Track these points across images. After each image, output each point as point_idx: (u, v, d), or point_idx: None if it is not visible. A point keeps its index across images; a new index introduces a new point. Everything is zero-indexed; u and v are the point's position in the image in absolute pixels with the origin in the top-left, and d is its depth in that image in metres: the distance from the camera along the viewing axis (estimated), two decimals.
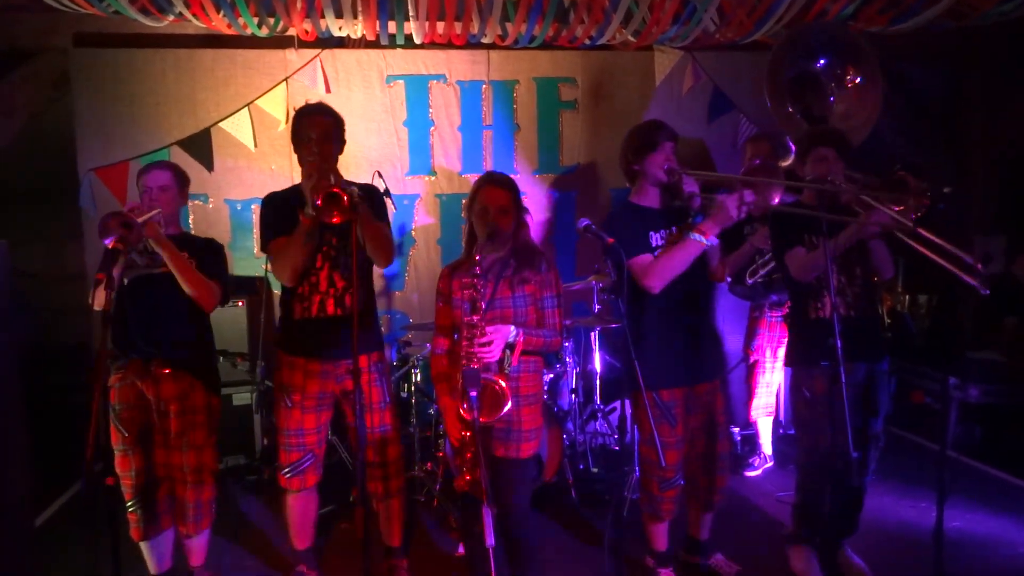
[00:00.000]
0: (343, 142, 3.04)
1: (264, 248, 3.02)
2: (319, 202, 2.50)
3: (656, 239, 2.95)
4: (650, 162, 2.94)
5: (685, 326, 2.98)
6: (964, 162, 5.82)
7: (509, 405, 2.48)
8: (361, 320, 2.95)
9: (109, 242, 2.53)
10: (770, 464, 4.59)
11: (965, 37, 5.28)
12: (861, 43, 3.88)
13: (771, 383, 4.45)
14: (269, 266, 4.70)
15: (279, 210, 2.96)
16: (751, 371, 4.50)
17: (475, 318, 2.53)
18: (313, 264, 2.93)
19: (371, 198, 2.98)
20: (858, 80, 3.78)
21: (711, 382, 3.07)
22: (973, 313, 5.76)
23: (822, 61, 3.82)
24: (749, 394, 4.53)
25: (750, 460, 4.58)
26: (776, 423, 4.76)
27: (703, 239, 2.77)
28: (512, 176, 5.25)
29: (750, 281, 4.08)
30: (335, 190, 2.50)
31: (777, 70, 3.81)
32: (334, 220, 2.52)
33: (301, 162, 2.98)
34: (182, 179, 3.06)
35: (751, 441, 4.73)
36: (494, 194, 2.63)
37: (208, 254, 3.04)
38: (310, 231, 2.76)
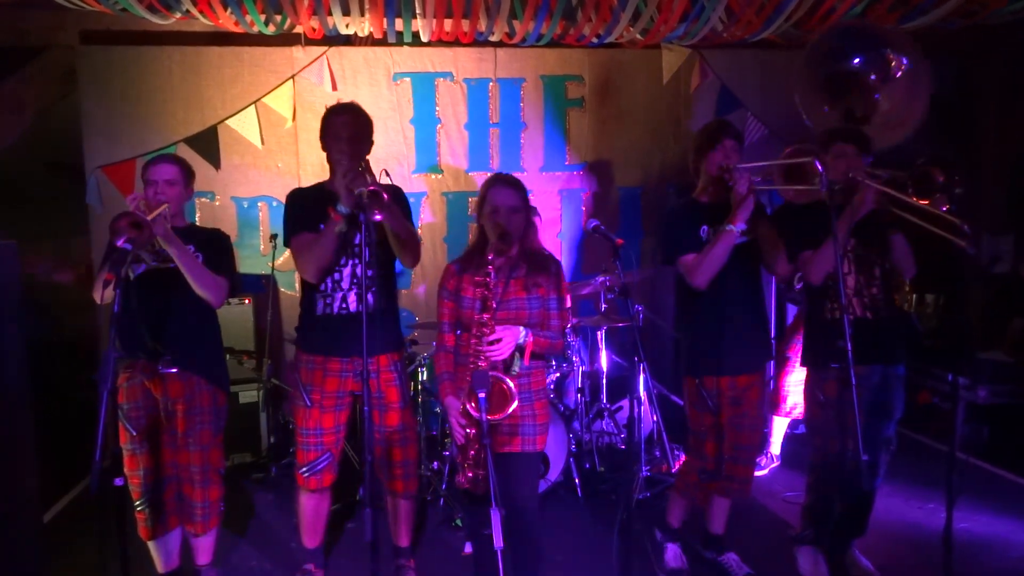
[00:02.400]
0: (372, 142, 3.05)
1: (287, 244, 3.00)
2: (366, 199, 2.47)
3: (707, 233, 3.06)
4: (709, 160, 3.06)
5: (730, 318, 3.06)
6: (974, 160, 5.79)
7: (515, 404, 2.48)
8: (383, 319, 2.96)
9: (121, 243, 2.53)
10: (776, 464, 4.58)
11: (977, 35, 5.25)
12: (903, 36, 3.82)
13: (801, 382, 4.42)
14: (276, 263, 4.74)
15: (306, 206, 2.96)
16: (780, 368, 4.46)
17: (485, 316, 2.54)
18: (337, 261, 2.93)
19: (398, 198, 2.98)
20: (904, 69, 3.70)
21: (752, 374, 3.12)
22: (981, 313, 5.73)
23: (862, 57, 3.76)
24: (776, 391, 4.50)
25: (757, 460, 4.56)
26: (795, 422, 4.73)
27: (730, 227, 2.88)
28: (519, 174, 5.30)
29: (798, 286, 4.05)
30: (373, 188, 2.49)
31: (811, 72, 3.76)
32: (376, 217, 2.49)
33: (330, 160, 2.98)
34: (188, 173, 3.04)
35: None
36: (505, 194, 2.64)
37: (214, 246, 3.02)
38: (341, 228, 2.76)
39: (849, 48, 3.79)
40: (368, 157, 3.00)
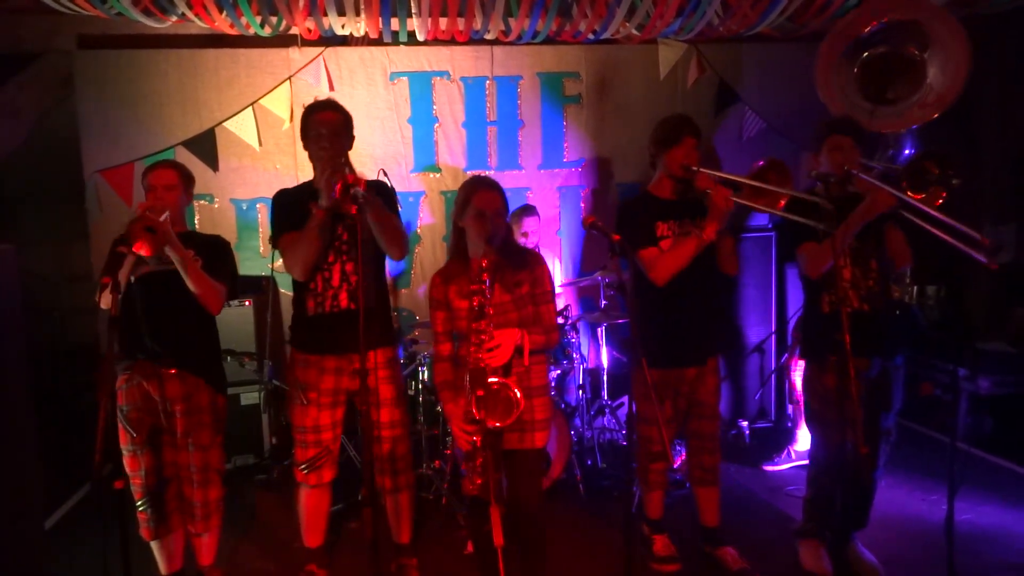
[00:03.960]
0: (352, 138, 3.05)
1: (274, 244, 3.01)
2: (336, 193, 2.47)
3: (663, 229, 3.08)
4: (669, 156, 3.06)
5: (679, 312, 3.11)
6: (976, 149, 5.77)
7: (521, 407, 2.48)
8: (375, 315, 2.96)
9: (137, 248, 2.56)
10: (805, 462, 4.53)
11: (979, 24, 5.23)
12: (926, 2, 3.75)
13: None
14: (276, 265, 4.74)
15: (290, 205, 2.97)
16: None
17: (482, 323, 2.52)
18: (325, 259, 2.93)
19: (381, 192, 2.99)
20: (939, 29, 3.60)
21: (699, 366, 3.18)
22: (982, 303, 5.72)
23: (895, 32, 3.67)
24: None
25: (773, 455, 4.56)
26: None
27: (702, 236, 2.91)
28: (517, 172, 5.31)
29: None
30: (351, 179, 2.49)
31: (840, 62, 3.69)
32: (351, 210, 2.48)
33: (311, 158, 2.98)
34: (187, 178, 3.07)
35: (763, 435, 4.69)
36: (490, 197, 2.62)
37: (213, 253, 3.02)
38: (323, 224, 2.78)
39: (879, 28, 3.72)
40: (349, 153, 2.99)
